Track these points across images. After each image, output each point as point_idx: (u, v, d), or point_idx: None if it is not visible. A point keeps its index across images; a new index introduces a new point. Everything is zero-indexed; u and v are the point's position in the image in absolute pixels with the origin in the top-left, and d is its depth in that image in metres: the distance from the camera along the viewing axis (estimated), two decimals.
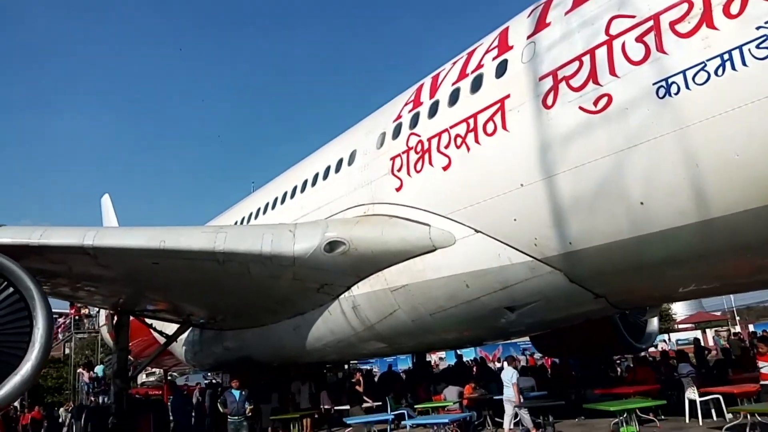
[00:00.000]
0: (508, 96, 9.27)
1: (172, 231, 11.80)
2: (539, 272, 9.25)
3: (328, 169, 13.79)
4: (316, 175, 14.25)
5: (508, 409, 11.36)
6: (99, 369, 21.91)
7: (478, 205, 9.64)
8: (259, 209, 17.02)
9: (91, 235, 11.26)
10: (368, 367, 32.68)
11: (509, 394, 11.29)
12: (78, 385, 23.36)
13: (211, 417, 16.18)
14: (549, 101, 8.53)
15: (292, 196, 15.20)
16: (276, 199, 16.17)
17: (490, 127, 9.44)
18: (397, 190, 11.22)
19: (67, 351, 32.07)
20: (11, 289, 9.94)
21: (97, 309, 25.92)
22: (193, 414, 16.78)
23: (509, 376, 11.36)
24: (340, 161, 13.33)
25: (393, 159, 11.45)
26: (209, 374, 49.33)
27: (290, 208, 14.94)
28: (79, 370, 23.66)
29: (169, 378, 34.67)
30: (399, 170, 11.21)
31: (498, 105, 9.37)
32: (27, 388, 9.79)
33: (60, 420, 19.33)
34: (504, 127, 9.19)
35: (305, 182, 14.74)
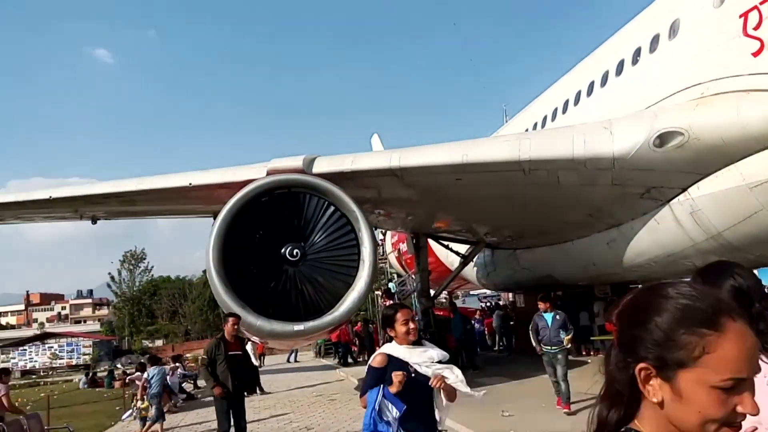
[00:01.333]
0: None
1: (472, 144, 11.16)
2: None
3: (638, 51, 11.49)
4: (621, 63, 12.06)
5: None
6: (391, 285, 23.72)
7: None
8: (545, 117, 15.52)
9: (396, 156, 11.25)
10: None
11: None
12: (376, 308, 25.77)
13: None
14: None
15: (589, 93, 13.28)
16: (566, 101, 14.44)
17: None
18: (755, 54, 8.59)
19: None
20: (338, 213, 10.47)
21: (382, 238, 27.79)
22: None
23: None
24: (656, 38, 10.93)
25: (744, 15, 8.78)
26: (485, 296, 50.71)
27: (588, 107, 13.09)
28: (377, 292, 25.96)
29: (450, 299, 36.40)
30: (757, 27, 8.54)
31: None
32: (361, 303, 10.38)
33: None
34: None
35: (605, 74, 12.67)
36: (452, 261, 21.13)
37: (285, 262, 10.07)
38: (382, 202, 13.02)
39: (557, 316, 9.24)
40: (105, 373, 26.27)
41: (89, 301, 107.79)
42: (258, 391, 15.12)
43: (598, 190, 10.75)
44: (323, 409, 11.46)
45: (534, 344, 9.46)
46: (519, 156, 10.33)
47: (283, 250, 10.09)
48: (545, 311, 9.34)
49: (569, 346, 9.42)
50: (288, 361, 26.73)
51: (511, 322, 20.32)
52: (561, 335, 9.11)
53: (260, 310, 9.84)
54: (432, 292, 17.58)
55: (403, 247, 22.64)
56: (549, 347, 9.19)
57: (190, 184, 12.93)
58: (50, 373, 43.01)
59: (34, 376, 41.08)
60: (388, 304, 20.48)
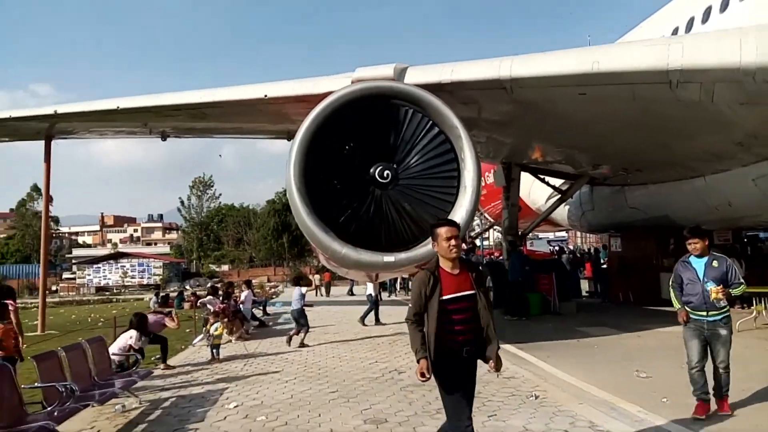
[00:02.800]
0: None
1: (603, 50, 9.17)
2: None
3: None
4: None
5: None
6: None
7: None
8: (676, 28, 13.06)
9: (506, 65, 9.43)
10: None
11: None
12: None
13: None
14: None
15: None
16: (708, 8, 11.95)
17: None
18: None
19: None
20: (437, 130, 8.88)
21: None
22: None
23: None
24: None
25: None
26: (554, 239, 48.40)
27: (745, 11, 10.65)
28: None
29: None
30: None
31: None
32: (463, 234, 8.90)
33: None
34: None
35: None
36: (535, 199, 19.28)
37: (373, 184, 8.66)
38: (481, 123, 11.29)
39: (715, 262, 5.55)
40: (175, 294, 26.45)
41: (159, 225, 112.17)
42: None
43: (760, 113, 8.66)
44: (407, 348, 10.31)
45: (676, 306, 5.78)
46: (667, 64, 8.29)
47: (372, 170, 8.64)
48: (697, 255, 5.65)
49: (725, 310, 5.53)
50: (349, 293, 25.92)
51: (603, 265, 18.57)
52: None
53: (345, 236, 8.56)
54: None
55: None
56: (701, 314, 5.50)
57: (266, 95, 11.61)
58: (122, 290, 44.72)
59: (107, 293, 42.75)
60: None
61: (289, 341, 11.22)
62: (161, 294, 18.17)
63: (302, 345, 11.03)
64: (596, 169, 13.10)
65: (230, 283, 15.21)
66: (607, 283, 17.21)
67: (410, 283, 22.17)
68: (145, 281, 46.81)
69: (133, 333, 8.24)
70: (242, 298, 13.97)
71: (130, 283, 46.90)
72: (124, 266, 47.91)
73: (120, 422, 6.11)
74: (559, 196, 15.20)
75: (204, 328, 11.04)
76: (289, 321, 15.87)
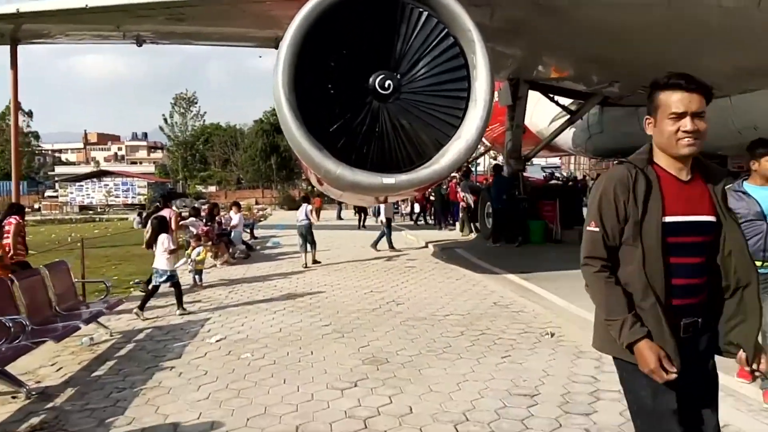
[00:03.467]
0: None
1: None
2: None
3: None
4: None
5: None
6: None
7: None
8: None
9: None
10: None
11: None
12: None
13: None
14: None
15: None
16: None
17: None
18: None
19: None
20: (445, 32, 7.74)
21: None
22: None
23: None
24: None
25: None
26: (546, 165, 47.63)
27: None
28: None
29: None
30: None
31: None
32: (469, 155, 8.01)
33: None
34: None
35: None
36: (536, 122, 18.26)
37: (373, 96, 7.64)
38: (491, 32, 10.07)
39: None
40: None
41: (144, 143, 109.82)
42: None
43: None
44: (403, 277, 9.67)
45: None
46: None
47: (371, 80, 7.60)
48: (756, 184, 4.07)
49: None
50: (339, 218, 25.20)
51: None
52: None
53: (340, 154, 7.64)
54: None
55: None
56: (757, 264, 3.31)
57: None
58: (106, 209, 43.79)
59: (91, 212, 41.83)
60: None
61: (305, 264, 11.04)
62: (143, 213, 17.53)
63: (315, 261, 11.30)
64: (613, 86, 12.01)
65: (214, 203, 14.33)
66: None
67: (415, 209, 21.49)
68: (129, 201, 45.81)
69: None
70: (235, 221, 13.06)
71: (114, 203, 45.87)
72: (108, 185, 46.69)
73: (86, 358, 5.41)
74: (568, 117, 14.19)
75: (186, 253, 10.27)
76: (277, 246, 15.29)
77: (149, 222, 8.33)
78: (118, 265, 12.87)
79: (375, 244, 13.12)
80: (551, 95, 14.11)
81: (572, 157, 50.96)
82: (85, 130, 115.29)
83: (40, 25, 13.52)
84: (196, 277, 9.06)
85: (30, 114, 60.56)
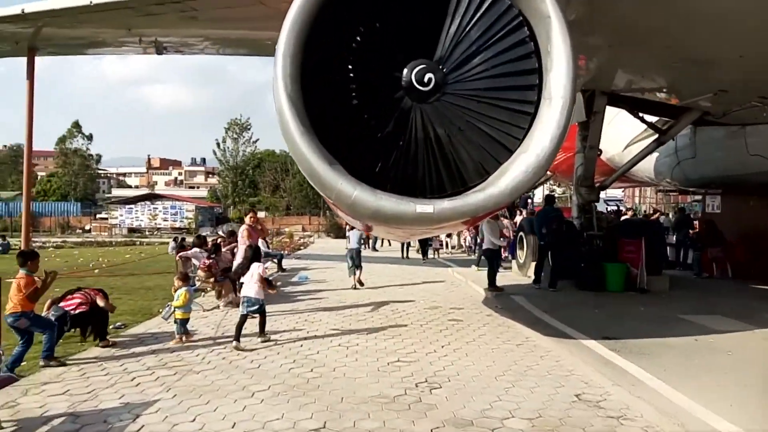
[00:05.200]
0: None
1: None
2: None
3: None
4: None
5: None
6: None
7: None
8: None
9: None
10: None
11: None
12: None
13: None
14: None
15: None
16: None
17: None
18: None
19: None
20: (508, 4, 5.59)
21: None
22: None
23: None
24: None
25: None
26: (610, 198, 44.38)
27: None
28: None
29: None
30: None
31: None
32: (540, 175, 5.74)
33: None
34: None
35: None
36: (606, 147, 15.63)
37: (407, 94, 5.53)
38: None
39: None
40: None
41: (202, 168, 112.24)
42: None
43: None
44: (444, 338, 7.36)
45: None
46: None
47: (405, 73, 5.50)
48: None
49: None
50: (373, 249, 22.82)
51: (690, 231, 15.08)
52: None
53: (359, 172, 5.54)
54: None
55: None
56: None
57: None
58: (154, 232, 43.42)
59: (137, 235, 41.48)
60: None
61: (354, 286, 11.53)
62: (178, 238, 16.06)
63: (360, 283, 11.80)
64: (719, 97, 9.42)
65: (231, 231, 12.52)
66: (700, 253, 13.74)
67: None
68: (177, 224, 45.38)
69: None
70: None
71: (162, 226, 45.53)
72: (157, 208, 46.46)
73: None
74: (653, 138, 11.63)
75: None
76: (304, 281, 13.26)
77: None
78: (117, 299, 11.14)
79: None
80: (636, 111, 11.59)
81: (636, 189, 47.26)
82: (148, 155, 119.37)
83: (53, 30, 12.33)
84: (177, 326, 7.03)
85: (90, 137, 61.95)
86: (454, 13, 5.57)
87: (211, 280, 8.93)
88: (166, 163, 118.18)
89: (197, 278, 9.22)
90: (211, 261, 9.17)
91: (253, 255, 7.41)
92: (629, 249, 10.84)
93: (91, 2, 10.33)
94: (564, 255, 10.97)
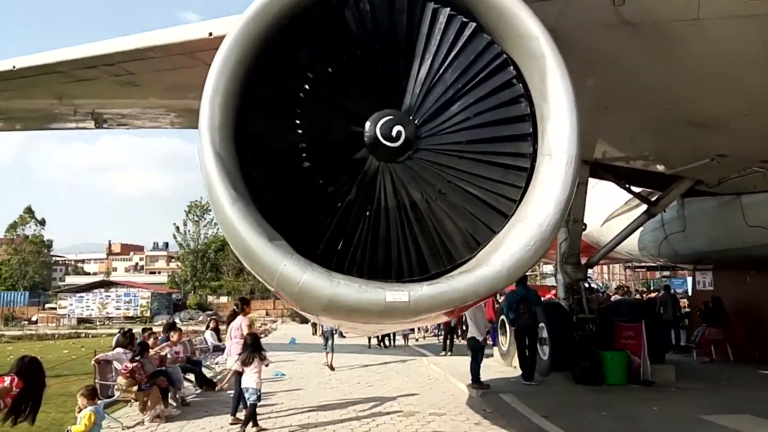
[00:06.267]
0: None
1: None
2: None
3: None
4: None
5: None
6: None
7: None
8: None
9: None
10: None
11: None
12: None
13: None
14: None
15: None
16: None
17: None
18: None
19: None
20: (489, 46, 4.56)
21: None
22: None
23: None
24: None
25: None
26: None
27: None
28: None
29: None
30: None
31: None
32: (545, 248, 4.47)
33: None
34: None
35: None
36: (592, 218, 14.79)
37: (371, 151, 4.33)
38: None
39: None
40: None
41: (164, 253, 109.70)
42: None
43: None
44: None
45: None
46: None
47: (368, 127, 4.30)
48: None
49: None
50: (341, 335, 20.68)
51: (685, 310, 14.06)
52: None
53: (312, 251, 4.20)
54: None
55: None
56: None
57: (211, 34, 7.48)
58: (105, 322, 40.53)
59: (87, 325, 38.58)
60: None
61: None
62: (124, 329, 13.95)
63: (331, 367, 12.33)
64: (715, 163, 8.51)
65: (171, 324, 10.87)
66: (698, 334, 12.58)
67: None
68: (130, 313, 42.58)
69: None
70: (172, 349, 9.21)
71: (114, 315, 42.63)
72: (110, 296, 43.75)
73: None
74: (639, 209, 10.72)
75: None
76: (280, 377, 11.55)
77: None
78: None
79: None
80: (623, 181, 10.69)
81: (606, 266, 46.83)
82: (109, 241, 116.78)
83: None
84: None
85: (42, 222, 59.33)
86: (423, 54, 4.47)
87: (134, 388, 7.25)
88: (127, 249, 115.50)
89: (116, 387, 7.50)
90: (135, 364, 7.48)
91: (254, 344, 7.39)
92: (628, 334, 9.58)
93: (14, 67, 9.18)
94: (555, 343, 9.65)
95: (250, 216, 4.06)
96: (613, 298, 15.66)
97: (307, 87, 4.38)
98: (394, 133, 4.30)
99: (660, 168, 9.71)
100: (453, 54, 4.47)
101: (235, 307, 11.25)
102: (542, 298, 11.77)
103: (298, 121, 4.34)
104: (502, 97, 4.45)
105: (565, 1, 5.71)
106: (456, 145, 4.32)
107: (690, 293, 15.91)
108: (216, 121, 4.23)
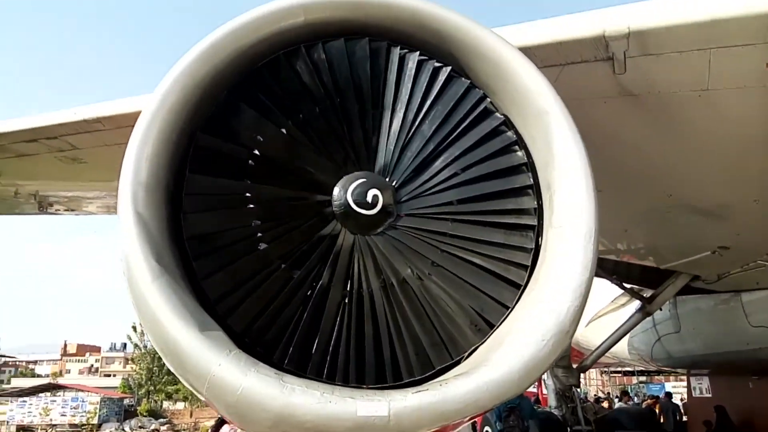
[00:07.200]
0: None
1: None
2: None
3: None
4: None
5: None
6: None
7: None
8: None
9: (615, 15, 4.68)
10: None
11: None
12: None
13: None
14: None
15: None
16: None
17: None
18: None
19: None
20: (480, 105, 3.86)
21: None
22: None
23: None
24: None
25: None
26: None
27: None
28: None
29: None
30: None
31: None
32: (566, 341, 3.49)
33: None
34: None
35: None
36: None
37: (341, 221, 3.49)
38: None
39: None
40: None
41: (121, 354, 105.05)
42: None
43: None
44: None
45: None
46: None
47: (336, 194, 3.46)
48: None
49: None
50: None
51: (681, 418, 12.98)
52: None
53: (259, 346, 3.21)
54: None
55: None
56: None
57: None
58: (48, 430, 36.95)
59: None
60: None
61: None
62: None
63: None
64: (717, 255, 7.85)
65: None
66: None
67: None
68: (76, 420, 39.01)
69: None
70: None
71: (58, 422, 38.99)
72: (55, 400, 40.25)
73: None
74: (633, 307, 9.92)
75: None
76: None
77: None
78: None
79: None
80: (613, 277, 9.95)
81: (582, 374, 45.58)
82: (65, 341, 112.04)
83: None
84: None
85: None
86: (393, 106, 3.77)
87: None
88: (83, 349, 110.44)
89: None
90: None
91: None
92: None
93: None
94: None
95: (175, 296, 3.07)
96: (616, 406, 14.58)
97: (256, 152, 3.59)
98: (369, 198, 3.47)
99: (654, 262, 9.04)
100: (429, 102, 3.79)
101: None
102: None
103: (248, 195, 3.51)
104: (492, 146, 3.75)
105: (560, 69, 5.15)
106: (445, 206, 3.54)
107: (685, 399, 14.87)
108: (142, 175, 3.37)
